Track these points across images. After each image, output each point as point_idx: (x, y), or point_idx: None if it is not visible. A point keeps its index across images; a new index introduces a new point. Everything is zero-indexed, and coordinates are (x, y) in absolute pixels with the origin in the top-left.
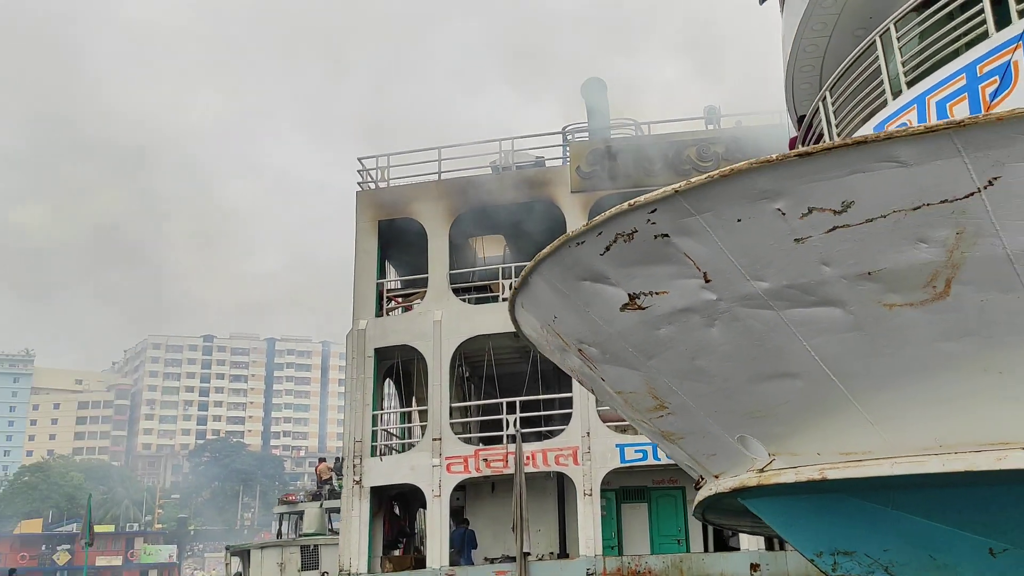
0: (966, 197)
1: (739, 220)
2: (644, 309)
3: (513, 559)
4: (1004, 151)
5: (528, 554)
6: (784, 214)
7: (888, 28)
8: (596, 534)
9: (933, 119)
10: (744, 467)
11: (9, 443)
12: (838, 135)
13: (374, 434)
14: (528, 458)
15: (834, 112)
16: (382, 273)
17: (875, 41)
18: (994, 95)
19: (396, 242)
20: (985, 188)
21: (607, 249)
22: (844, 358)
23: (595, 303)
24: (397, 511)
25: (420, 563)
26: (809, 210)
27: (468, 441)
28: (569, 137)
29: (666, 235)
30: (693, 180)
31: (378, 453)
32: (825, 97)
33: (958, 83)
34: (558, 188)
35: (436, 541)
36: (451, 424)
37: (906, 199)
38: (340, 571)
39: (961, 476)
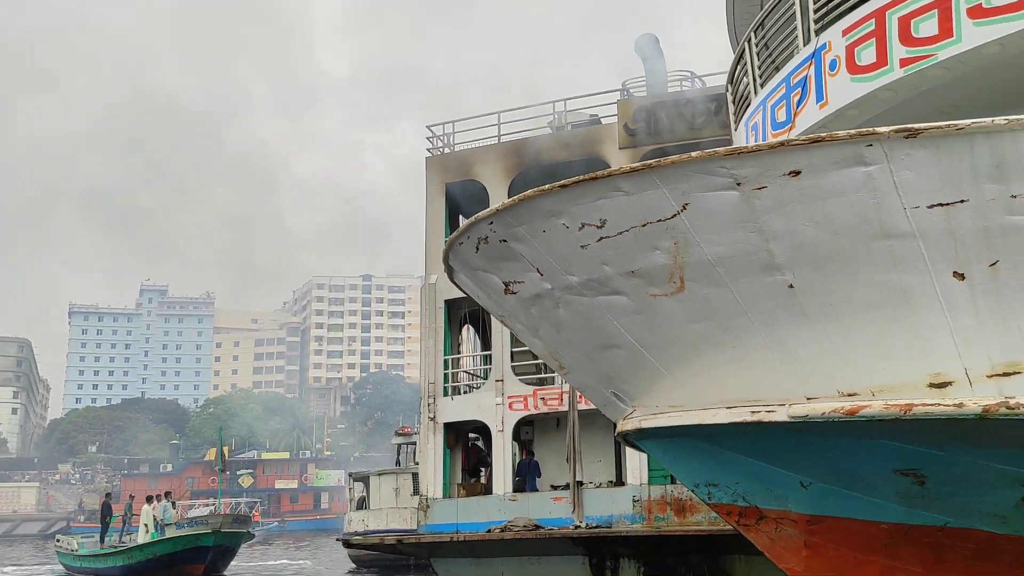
0: (672, 217)
1: (544, 231)
2: (516, 294)
3: None
4: (688, 184)
5: (582, 483)
6: (567, 227)
7: None
8: (642, 465)
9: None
10: (620, 417)
11: (198, 378)
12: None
13: (445, 376)
14: (581, 396)
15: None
16: (451, 231)
17: None
18: (798, 103)
19: (465, 202)
20: (683, 210)
21: (476, 249)
22: (642, 333)
23: (488, 287)
24: (481, 444)
25: (490, 490)
26: (582, 225)
27: (528, 382)
28: (624, 94)
29: (504, 240)
30: (508, 201)
31: (449, 393)
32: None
33: (781, 91)
34: (607, 145)
35: (500, 471)
36: (513, 367)
37: (635, 219)
38: (420, 496)
39: (740, 426)
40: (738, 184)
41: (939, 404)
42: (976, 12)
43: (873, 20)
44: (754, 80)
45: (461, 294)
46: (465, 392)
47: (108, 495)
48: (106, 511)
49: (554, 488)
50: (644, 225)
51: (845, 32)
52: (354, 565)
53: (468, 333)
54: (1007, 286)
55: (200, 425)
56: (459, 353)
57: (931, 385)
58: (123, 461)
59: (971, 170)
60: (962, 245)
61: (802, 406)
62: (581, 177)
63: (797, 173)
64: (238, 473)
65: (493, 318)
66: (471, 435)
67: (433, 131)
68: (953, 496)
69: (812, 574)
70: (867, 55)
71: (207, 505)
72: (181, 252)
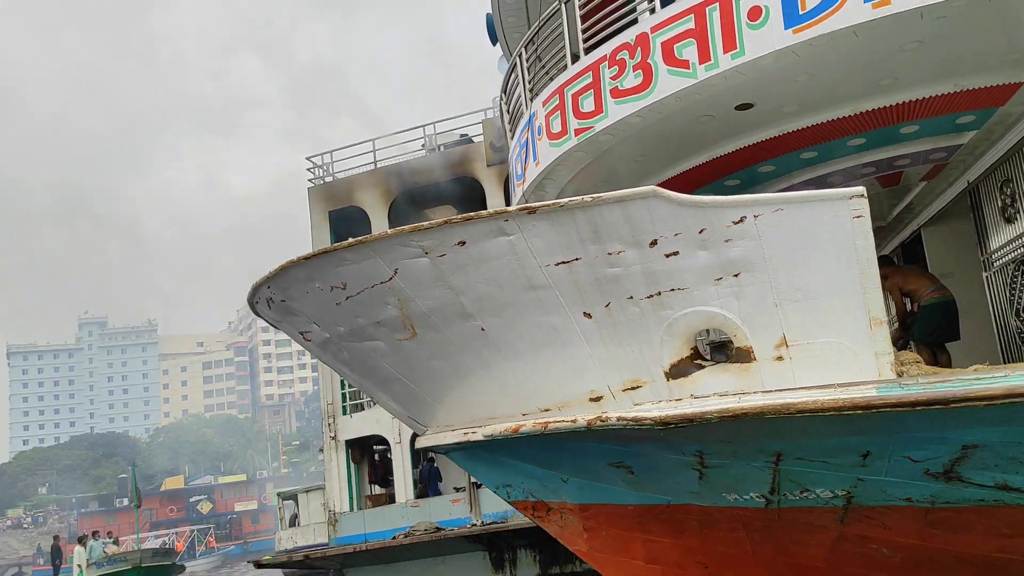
0: (390, 280)
1: (307, 292)
2: (310, 340)
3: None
4: (393, 254)
5: (478, 484)
6: (322, 289)
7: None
8: None
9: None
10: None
11: (147, 407)
12: (530, 89)
13: (344, 395)
14: None
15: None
16: None
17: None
18: (525, 159)
19: (349, 227)
20: (395, 274)
21: (269, 307)
22: (402, 370)
23: (292, 332)
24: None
25: (393, 499)
26: (331, 287)
27: None
28: (490, 113)
29: (283, 300)
30: (276, 268)
31: (348, 412)
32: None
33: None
34: (477, 163)
35: (401, 480)
36: None
37: (365, 282)
38: (328, 511)
39: (502, 440)
40: (426, 253)
41: (562, 421)
42: (615, 93)
43: (557, 96)
44: (527, 95)
45: None
46: (365, 408)
47: (56, 537)
48: (55, 554)
49: (456, 491)
50: (373, 286)
51: (544, 103)
52: None
53: None
54: (619, 321)
55: (152, 455)
56: None
57: (590, 400)
58: (71, 500)
59: (577, 235)
60: (584, 292)
61: (490, 427)
62: (320, 250)
63: (463, 243)
64: (195, 500)
65: None
66: (378, 447)
67: (313, 161)
68: (657, 480)
69: (594, 553)
70: (555, 124)
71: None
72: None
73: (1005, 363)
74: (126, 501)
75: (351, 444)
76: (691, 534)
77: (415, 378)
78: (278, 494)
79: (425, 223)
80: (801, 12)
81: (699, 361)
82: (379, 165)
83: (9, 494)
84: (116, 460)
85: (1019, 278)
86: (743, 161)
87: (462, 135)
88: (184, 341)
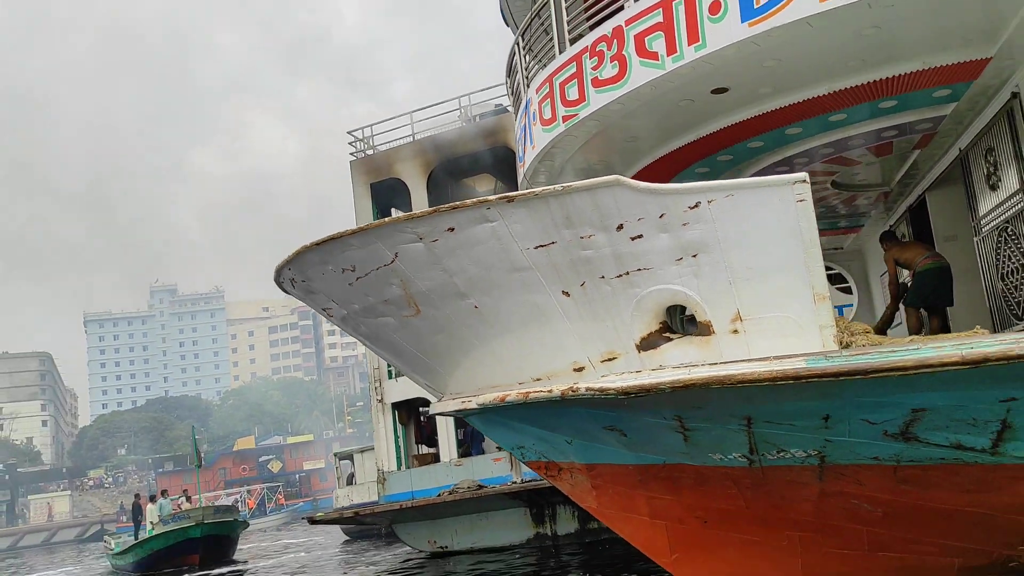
0: (392, 263)
1: (323, 274)
2: (332, 316)
3: None
4: (393, 239)
5: None
6: (335, 271)
7: None
8: None
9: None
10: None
11: (218, 371)
12: (526, 77)
13: None
14: None
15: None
16: None
17: None
18: (525, 143)
19: (391, 197)
20: (396, 258)
21: (293, 286)
22: (412, 344)
23: (317, 308)
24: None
25: (439, 458)
26: (343, 270)
27: None
28: None
29: (304, 281)
30: (293, 252)
31: (394, 376)
32: (518, 42)
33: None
34: (511, 133)
35: (445, 440)
36: None
37: (371, 264)
38: (377, 470)
39: (506, 406)
40: (420, 238)
41: (540, 391)
42: (596, 83)
43: (547, 84)
44: (524, 81)
45: None
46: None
47: (137, 496)
48: (136, 511)
49: (499, 450)
50: (378, 268)
51: (536, 90)
52: (348, 538)
53: None
54: (594, 299)
55: (224, 417)
56: None
57: (574, 370)
58: (147, 462)
59: (552, 221)
60: (561, 272)
61: (482, 397)
62: (329, 236)
63: (452, 229)
64: (265, 460)
65: None
66: (423, 409)
67: (354, 135)
68: (648, 442)
69: (603, 509)
70: (546, 111)
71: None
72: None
73: (995, 325)
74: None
75: (397, 406)
76: (688, 491)
77: (423, 350)
78: (335, 454)
79: (419, 211)
80: (756, 6)
81: (667, 334)
82: (417, 137)
83: (91, 456)
84: (189, 422)
85: (1003, 243)
86: (732, 138)
87: (496, 105)
88: (250, 307)
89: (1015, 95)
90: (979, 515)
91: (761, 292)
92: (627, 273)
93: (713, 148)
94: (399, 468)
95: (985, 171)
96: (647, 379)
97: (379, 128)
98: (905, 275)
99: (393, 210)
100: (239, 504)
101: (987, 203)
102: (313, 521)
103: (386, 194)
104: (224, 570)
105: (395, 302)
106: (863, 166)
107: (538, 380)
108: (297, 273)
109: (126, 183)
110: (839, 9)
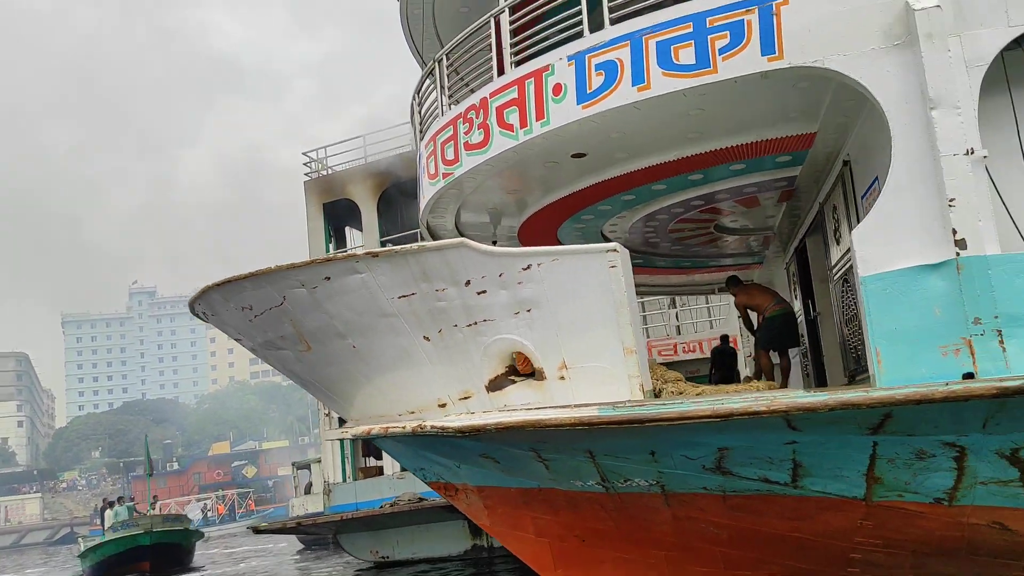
0: (280, 305)
1: (226, 310)
2: (244, 345)
3: None
4: (282, 284)
5: None
6: (236, 309)
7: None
8: None
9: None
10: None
11: (196, 375)
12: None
13: None
14: None
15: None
16: (331, 246)
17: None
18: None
19: (342, 217)
20: (284, 300)
21: (205, 317)
22: (310, 375)
23: (231, 335)
24: None
25: (383, 471)
26: (242, 308)
27: None
28: None
29: (213, 315)
30: (199, 290)
31: None
32: (414, 97)
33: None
34: None
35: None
36: None
37: (264, 305)
38: (324, 482)
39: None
40: (303, 284)
41: (395, 426)
42: (467, 146)
43: (432, 143)
44: (417, 136)
45: None
46: None
47: (104, 500)
48: (103, 515)
49: None
50: (270, 309)
51: (424, 146)
52: (302, 546)
53: None
54: (449, 344)
55: (200, 421)
56: None
57: (439, 405)
58: (119, 465)
59: (411, 275)
60: (422, 320)
61: (357, 428)
62: (225, 279)
63: (329, 278)
64: (240, 465)
65: None
66: None
67: (308, 156)
68: (519, 469)
69: (495, 526)
70: (431, 166)
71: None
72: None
73: (845, 366)
74: (176, 464)
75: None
76: (565, 512)
77: (320, 381)
78: (293, 463)
79: (300, 261)
80: (588, 91)
81: (512, 377)
82: (369, 160)
83: (66, 458)
84: (166, 425)
85: (845, 293)
86: (603, 193)
87: None
88: None
89: (846, 163)
90: (801, 539)
91: (582, 345)
92: (475, 323)
93: (608, 193)
94: (344, 480)
95: (833, 225)
96: (476, 420)
97: (332, 150)
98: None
99: (347, 229)
100: (208, 509)
101: (835, 254)
102: (257, 531)
103: (339, 214)
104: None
105: (289, 338)
106: (738, 214)
107: (412, 413)
108: (207, 307)
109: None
110: (657, 97)
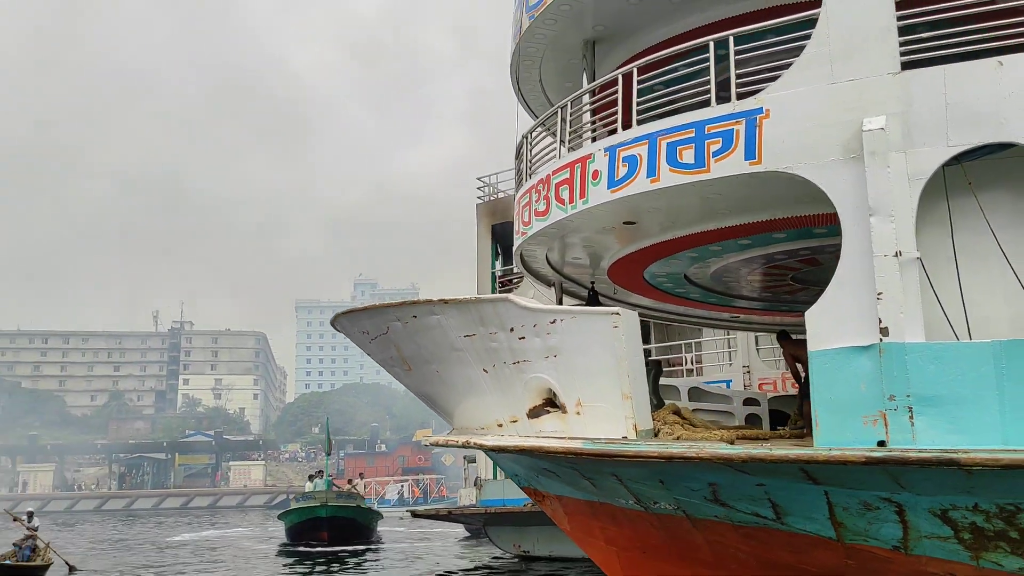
0: (385, 333)
1: (355, 332)
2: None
3: None
4: (384, 318)
5: None
6: (360, 332)
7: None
8: None
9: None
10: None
11: None
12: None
13: None
14: None
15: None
16: (497, 262)
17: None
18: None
19: (509, 238)
20: (387, 331)
21: (345, 334)
22: (416, 390)
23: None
24: None
25: None
26: (363, 332)
27: None
28: None
29: (346, 333)
30: (335, 316)
31: None
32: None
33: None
34: None
35: None
36: None
37: (375, 331)
38: (476, 477)
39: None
40: (398, 320)
41: (453, 439)
42: (536, 213)
43: (516, 204)
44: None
45: None
46: None
47: (318, 471)
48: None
49: None
50: (380, 335)
51: (516, 202)
52: (468, 534)
53: None
54: (501, 377)
55: (407, 408)
56: None
57: (497, 425)
58: (332, 442)
59: (472, 320)
60: (480, 356)
61: (436, 437)
62: (349, 310)
63: (416, 316)
64: (441, 452)
65: None
66: None
67: (482, 180)
68: (575, 483)
69: (573, 532)
70: (517, 222)
71: (401, 481)
72: (387, 248)
73: None
74: (384, 447)
75: None
76: (624, 525)
77: (423, 396)
78: (464, 457)
79: (395, 302)
80: (616, 179)
81: (547, 408)
82: None
83: (290, 431)
84: (377, 408)
85: None
86: (675, 248)
87: None
88: None
89: None
90: (808, 573)
91: (592, 388)
92: (518, 362)
93: (676, 249)
94: (495, 477)
95: None
96: (501, 442)
97: (503, 176)
98: None
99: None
100: (404, 491)
101: None
102: (415, 515)
103: (507, 234)
104: (352, 548)
105: (395, 360)
106: (804, 271)
107: (481, 429)
108: (341, 327)
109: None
110: (663, 188)
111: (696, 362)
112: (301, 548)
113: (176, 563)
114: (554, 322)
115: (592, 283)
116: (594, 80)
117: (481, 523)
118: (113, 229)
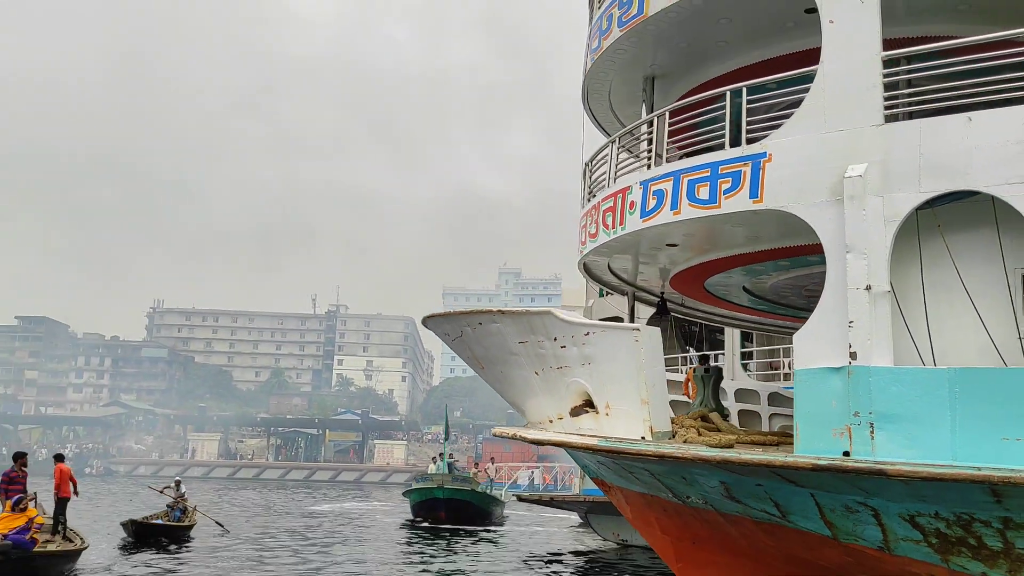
0: (460, 336)
1: (441, 333)
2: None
3: None
4: (457, 324)
5: None
6: (445, 334)
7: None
8: None
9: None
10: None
11: None
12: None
13: None
14: None
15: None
16: None
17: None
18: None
19: None
20: (461, 335)
21: (436, 333)
22: (493, 385)
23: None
24: None
25: None
26: (445, 335)
27: None
28: None
29: (436, 333)
30: (424, 317)
31: None
32: (615, 142)
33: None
34: None
35: None
36: None
37: (454, 334)
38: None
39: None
40: (469, 325)
41: (506, 431)
42: (591, 234)
43: (580, 220)
44: (586, 192)
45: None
46: None
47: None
48: (450, 469)
49: None
50: (458, 337)
51: (580, 219)
52: (581, 520)
53: None
54: (548, 379)
55: None
56: None
57: (548, 420)
58: (468, 426)
59: (524, 329)
60: (531, 360)
61: (503, 428)
62: (435, 314)
63: (480, 324)
64: None
65: None
66: None
67: None
68: (623, 475)
69: (635, 521)
70: (582, 234)
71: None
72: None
73: None
74: None
75: None
76: (673, 516)
77: (499, 392)
78: None
79: (465, 310)
80: (647, 209)
81: (585, 408)
82: None
83: (435, 413)
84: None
85: None
86: (725, 266)
87: None
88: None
89: None
90: (826, 568)
91: (618, 392)
92: (560, 367)
93: (740, 263)
94: None
95: None
96: (539, 436)
97: None
98: None
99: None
100: (534, 477)
101: None
102: (520, 499)
103: None
104: (469, 528)
105: (472, 359)
106: None
107: (540, 424)
108: (431, 327)
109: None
110: (686, 220)
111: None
112: (424, 525)
113: (314, 528)
114: (588, 334)
115: (662, 292)
116: (652, 111)
117: (583, 511)
118: (277, 219)
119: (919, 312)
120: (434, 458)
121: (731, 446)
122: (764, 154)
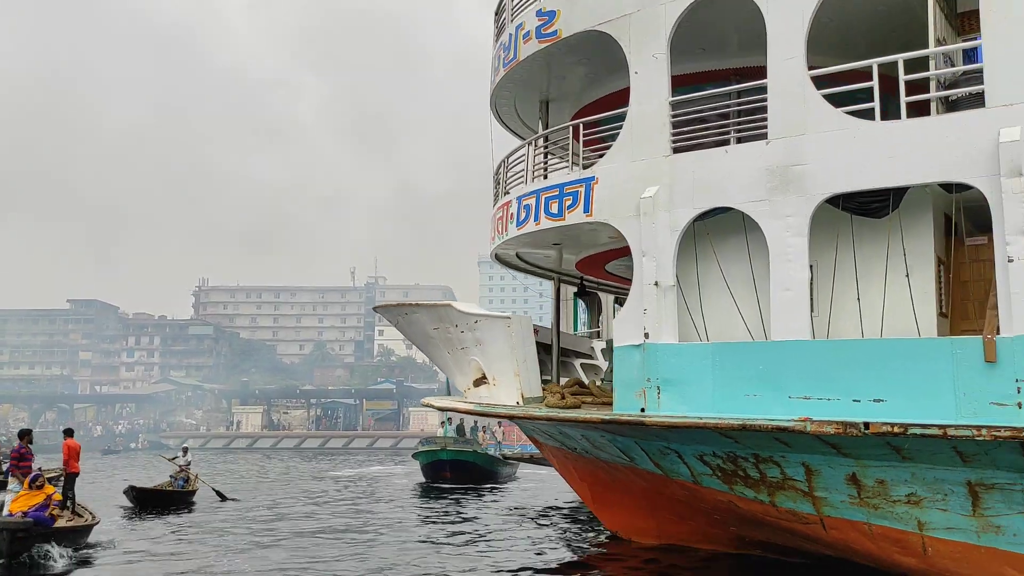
0: (398, 324)
1: (386, 319)
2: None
3: None
4: (395, 312)
5: None
6: (390, 320)
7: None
8: None
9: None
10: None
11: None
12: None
13: None
14: None
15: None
16: None
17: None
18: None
19: None
20: (399, 322)
21: (394, 324)
22: (435, 361)
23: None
24: None
25: None
26: (388, 320)
27: None
28: None
29: (387, 321)
30: (377, 306)
31: None
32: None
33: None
34: None
35: None
36: None
37: (393, 321)
38: None
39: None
40: (399, 315)
41: (430, 401)
42: (498, 229)
43: (496, 213)
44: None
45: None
46: None
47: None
48: (459, 432)
49: None
50: (397, 324)
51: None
52: None
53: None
54: (458, 360)
55: None
56: None
57: (465, 391)
58: None
59: (435, 318)
60: (445, 343)
61: (434, 398)
62: (377, 305)
63: (407, 314)
64: None
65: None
66: None
67: None
68: (542, 435)
69: (561, 472)
70: (491, 231)
71: None
72: None
73: None
74: None
75: None
76: (581, 466)
77: (439, 367)
78: None
79: (394, 303)
80: (520, 220)
81: (483, 380)
82: None
83: None
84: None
85: None
86: (607, 258)
87: None
88: None
89: None
90: (677, 500)
91: (499, 368)
92: (463, 348)
93: (607, 259)
94: None
95: None
96: (446, 403)
97: None
98: None
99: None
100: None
101: None
102: (505, 458)
103: None
104: (474, 486)
105: (413, 342)
106: None
107: (463, 392)
108: (383, 315)
109: None
110: (543, 230)
111: None
112: (434, 485)
113: (323, 492)
114: (477, 322)
115: (582, 277)
116: (548, 128)
117: None
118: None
119: (696, 301)
120: (442, 422)
121: (578, 407)
122: (593, 178)
